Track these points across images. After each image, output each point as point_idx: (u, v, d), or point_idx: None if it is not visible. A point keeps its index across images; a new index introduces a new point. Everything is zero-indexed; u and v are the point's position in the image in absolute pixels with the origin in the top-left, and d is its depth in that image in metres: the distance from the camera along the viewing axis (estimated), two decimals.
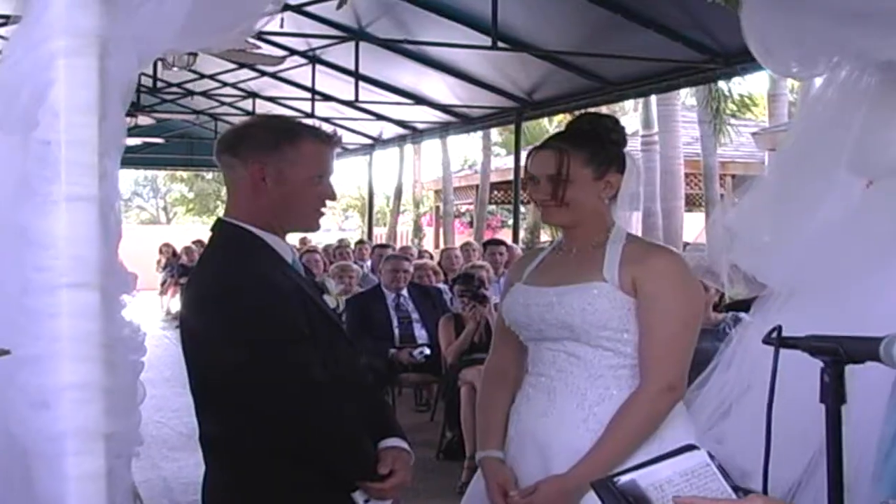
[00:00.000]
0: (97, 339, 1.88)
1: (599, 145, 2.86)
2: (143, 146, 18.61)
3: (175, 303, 19.43)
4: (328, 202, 2.79)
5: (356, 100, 13.25)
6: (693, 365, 3.06)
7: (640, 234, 3.33)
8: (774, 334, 1.69)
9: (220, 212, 2.81)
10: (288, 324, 2.59)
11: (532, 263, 3.00)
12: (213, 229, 2.80)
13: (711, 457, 1.79)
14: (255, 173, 2.67)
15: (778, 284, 3.26)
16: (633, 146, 19.13)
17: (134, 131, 15.80)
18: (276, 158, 2.67)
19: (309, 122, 2.91)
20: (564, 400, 2.78)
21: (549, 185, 2.81)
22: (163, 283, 20.88)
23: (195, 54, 10.39)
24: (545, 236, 21.05)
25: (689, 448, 1.83)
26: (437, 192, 30.33)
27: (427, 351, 8.38)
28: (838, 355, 1.71)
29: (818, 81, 3.43)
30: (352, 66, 12.17)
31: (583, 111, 10.10)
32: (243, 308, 2.55)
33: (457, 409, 7.38)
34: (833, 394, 1.72)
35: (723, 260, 3.44)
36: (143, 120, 15.67)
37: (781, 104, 18.80)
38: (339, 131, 2.96)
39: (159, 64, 11.41)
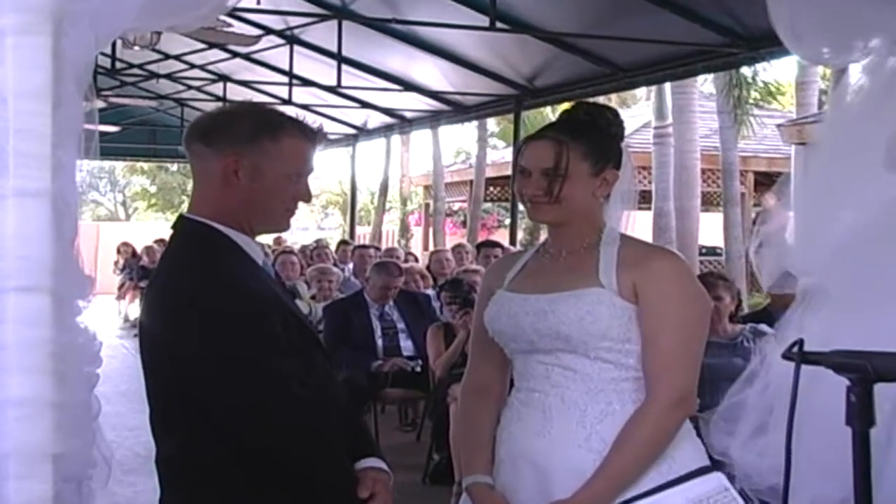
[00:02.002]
0: (47, 349, 1.87)
1: (599, 138, 2.87)
2: (99, 134, 18.55)
3: (134, 308, 19.37)
4: (301, 203, 2.81)
5: (338, 85, 13.24)
6: (707, 381, 3.07)
7: (651, 235, 3.35)
8: (795, 348, 1.70)
9: (186, 207, 2.82)
10: (265, 332, 2.59)
11: (513, 268, 3.01)
12: (174, 227, 2.80)
13: (731, 479, 1.79)
14: (228, 165, 2.67)
15: (813, 287, 3.26)
16: (645, 138, 19.19)
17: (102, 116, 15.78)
18: (253, 151, 2.67)
19: (290, 111, 2.91)
20: (562, 417, 2.78)
21: (544, 179, 2.82)
22: (120, 287, 20.82)
23: (159, 33, 10.38)
24: (545, 237, 21.05)
25: (704, 471, 1.83)
26: (426, 187, 30.34)
27: (420, 367, 8.36)
28: (866, 373, 1.71)
29: (853, 69, 3.43)
30: (334, 48, 12.17)
31: (586, 100, 10.11)
32: (215, 315, 2.55)
33: (445, 429, 7.37)
34: (860, 415, 1.72)
35: (741, 263, 3.45)
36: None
37: (811, 93, 18.79)
38: (321, 122, 2.96)
39: (118, 43, 11.38)
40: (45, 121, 1.86)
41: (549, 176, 2.81)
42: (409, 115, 16.80)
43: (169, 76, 16.31)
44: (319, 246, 14.84)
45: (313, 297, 10.21)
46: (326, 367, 2.88)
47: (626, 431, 2.72)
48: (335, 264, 12.70)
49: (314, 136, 2.78)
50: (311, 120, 2.87)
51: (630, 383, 2.77)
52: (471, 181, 25.64)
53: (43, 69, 1.86)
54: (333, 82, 13.16)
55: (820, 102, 18.33)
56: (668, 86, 17.52)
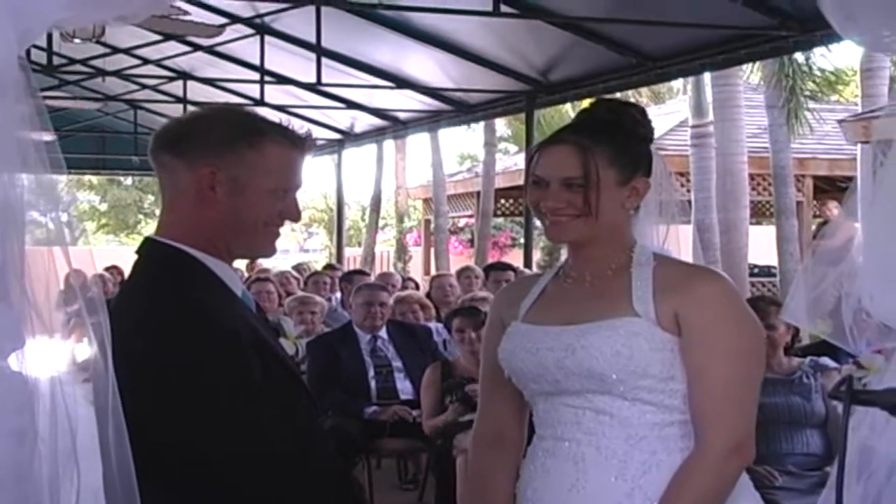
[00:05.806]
0: None
1: (625, 141, 2.88)
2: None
3: (82, 349, 19.36)
4: (287, 222, 2.80)
5: (318, 82, 13.26)
6: (761, 424, 3.04)
7: (690, 253, 3.35)
8: (843, 387, 1.71)
9: (143, 228, 2.83)
10: (241, 375, 2.58)
11: (528, 295, 3.00)
12: (139, 251, 2.79)
13: None
14: (203, 179, 2.66)
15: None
16: (682, 139, 19.19)
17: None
18: (231, 162, 2.67)
19: (263, 112, 2.90)
20: (599, 470, 2.78)
21: (565, 190, 2.82)
22: (66, 323, 20.81)
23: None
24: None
25: None
26: (426, 201, 30.39)
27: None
28: None
29: None
30: (312, 39, 12.19)
31: (606, 97, 10.10)
32: (182, 354, 2.55)
33: (451, 486, 7.36)
34: None
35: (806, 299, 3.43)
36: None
37: (879, 81, 18.78)
38: (307, 128, 2.95)
39: (55, 34, 11.36)
40: None
41: (572, 187, 2.81)
42: (402, 116, 16.84)
43: (118, 73, 16.25)
44: (300, 271, 14.66)
45: (299, 337, 10.10)
46: (312, 415, 2.87)
47: (676, 486, 2.72)
48: (321, 293, 12.61)
49: (302, 144, 2.77)
50: (298, 125, 2.87)
51: (676, 428, 2.78)
52: (478, 193, 25.69)
53: None
54: (313, 79, 13.19)
55: (891, 91, 18.30)
56: (707, 77, 17.54)
